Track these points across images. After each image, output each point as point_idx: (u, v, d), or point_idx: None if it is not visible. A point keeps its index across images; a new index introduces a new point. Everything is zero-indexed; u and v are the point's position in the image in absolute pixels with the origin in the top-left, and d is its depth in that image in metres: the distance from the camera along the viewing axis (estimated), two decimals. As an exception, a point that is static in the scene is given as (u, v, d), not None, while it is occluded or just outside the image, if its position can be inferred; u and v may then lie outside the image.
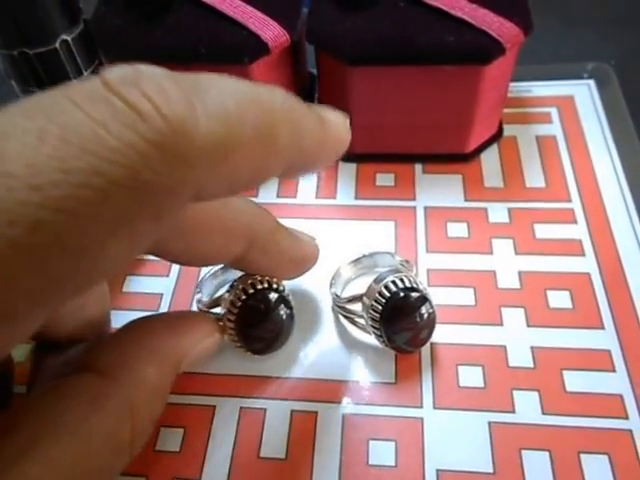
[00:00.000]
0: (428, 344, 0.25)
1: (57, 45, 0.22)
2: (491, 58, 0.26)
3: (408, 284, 0.24)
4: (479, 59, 0.27)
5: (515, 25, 0.27)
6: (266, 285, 0.23)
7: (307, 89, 0.36)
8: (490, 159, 0.33)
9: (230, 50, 0.28)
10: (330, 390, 0.25)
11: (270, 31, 0.28)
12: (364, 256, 0.28)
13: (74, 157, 0.10)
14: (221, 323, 0.23)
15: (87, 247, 0.10)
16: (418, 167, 0.33)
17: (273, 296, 0.24)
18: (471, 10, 0.27)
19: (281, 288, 0.24)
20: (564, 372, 0.25)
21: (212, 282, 0.27)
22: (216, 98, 0.12)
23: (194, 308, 0.26)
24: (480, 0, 0.28)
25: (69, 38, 0.22)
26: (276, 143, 0.13)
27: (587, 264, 0.28)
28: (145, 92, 0.11)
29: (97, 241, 0.10)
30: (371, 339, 0.25)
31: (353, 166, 0.33)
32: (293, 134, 0.14)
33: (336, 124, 0.16)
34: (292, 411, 0.24)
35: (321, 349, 0.26)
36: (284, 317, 0.24)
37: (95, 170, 0.10)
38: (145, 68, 0.11)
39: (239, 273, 0.24)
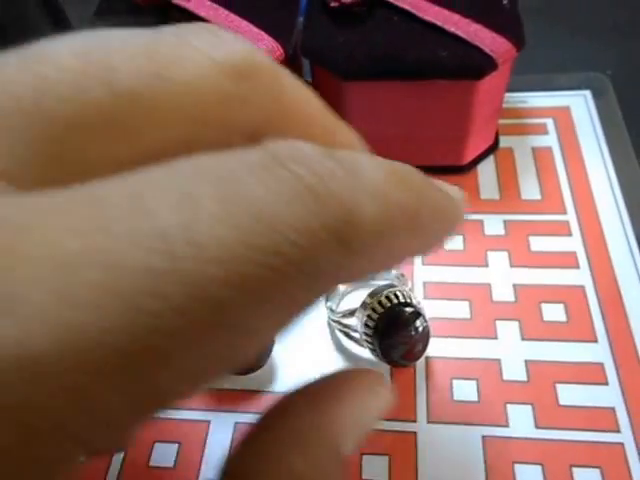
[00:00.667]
0: (423, 358, 0.26)
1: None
2: (483, 73, 0.27)
3: (402, 299, 0.25)
4: (472, 74, 0.28)
5: (507, 40, 0.27)
6: None
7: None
8: (486, 171, 0.34)
9: (225, 65, 0.29)
10: (325, 404, 0.26)
11: (265, 46, 0.29)
12: (359, 269, 0.28)
13: (259, 233, 0.09)
14: None
15: (246, 328, 0.10)
16: (414, 179, 0.34)
17: None
18: (464, 25, 0.28)
19: None
20: (557, 385, 0.26)
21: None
22: (374, 179, 0.11)
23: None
24: (474, 15, 0.28)
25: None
26: (420, 225, 0.12)
27: (582, 277, 0.29)
28: (317, 172, 0.10)
29: (256, 323, 0.10)
30: (366, 353, 0.26)
31: (349, 178, 0.34)
32: (433, 215, 0.13)
33: (460, 199, 0.15)
34: (287, 425, 0.25)
35: (317, 363, 0.27)
36: None
37: (278, 250, 0.09)
38: (304, 145, 0.10)
39: None
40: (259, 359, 0.26)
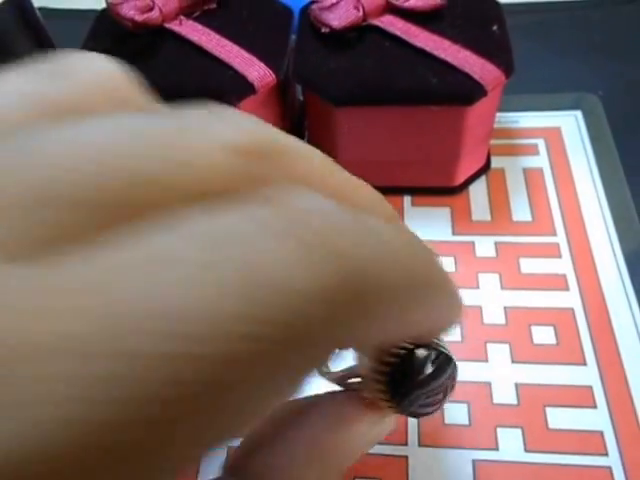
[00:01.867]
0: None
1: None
2: (473, 100, 0.29)
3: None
4: (461, 101, 0.29)
5: (497, 67, 0.29)
6: None
7: (297, 119, 0.38)
8: (478, 192, 0.35)
9: (216, 90, 0.30)
10: (317, 429, 0.27)
11: (256, 71, 0.30)
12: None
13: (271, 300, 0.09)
14: None
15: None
16: (407, 199, 0.35)
17: None
18: (454, 51, 0.29)
19: None
20: (547, 409, 0.27)
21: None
22: (391, 244, 0.11)
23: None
24: (463, 41, 0.30)
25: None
26: (429, 295, 0.12)
27: (571, 299, 0.30)
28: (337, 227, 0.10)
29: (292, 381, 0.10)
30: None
31: (341, 199, 0.35)
32: (439, 287, 0.13)
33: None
34: (280, 450, 0.26)
35: (307, 385, 0.28)
36: None
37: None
38: (317, 197, 0.10)
39: None
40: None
